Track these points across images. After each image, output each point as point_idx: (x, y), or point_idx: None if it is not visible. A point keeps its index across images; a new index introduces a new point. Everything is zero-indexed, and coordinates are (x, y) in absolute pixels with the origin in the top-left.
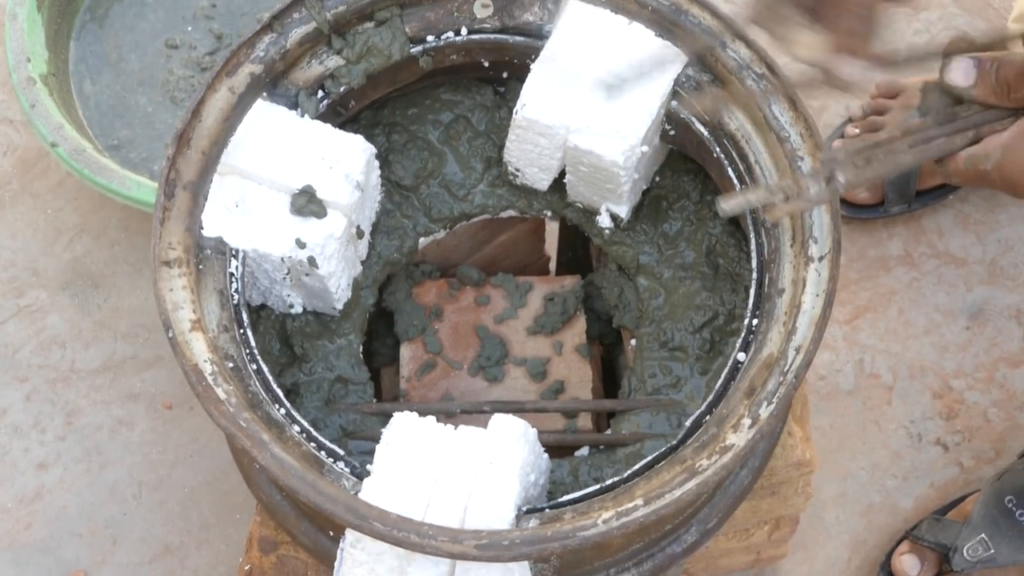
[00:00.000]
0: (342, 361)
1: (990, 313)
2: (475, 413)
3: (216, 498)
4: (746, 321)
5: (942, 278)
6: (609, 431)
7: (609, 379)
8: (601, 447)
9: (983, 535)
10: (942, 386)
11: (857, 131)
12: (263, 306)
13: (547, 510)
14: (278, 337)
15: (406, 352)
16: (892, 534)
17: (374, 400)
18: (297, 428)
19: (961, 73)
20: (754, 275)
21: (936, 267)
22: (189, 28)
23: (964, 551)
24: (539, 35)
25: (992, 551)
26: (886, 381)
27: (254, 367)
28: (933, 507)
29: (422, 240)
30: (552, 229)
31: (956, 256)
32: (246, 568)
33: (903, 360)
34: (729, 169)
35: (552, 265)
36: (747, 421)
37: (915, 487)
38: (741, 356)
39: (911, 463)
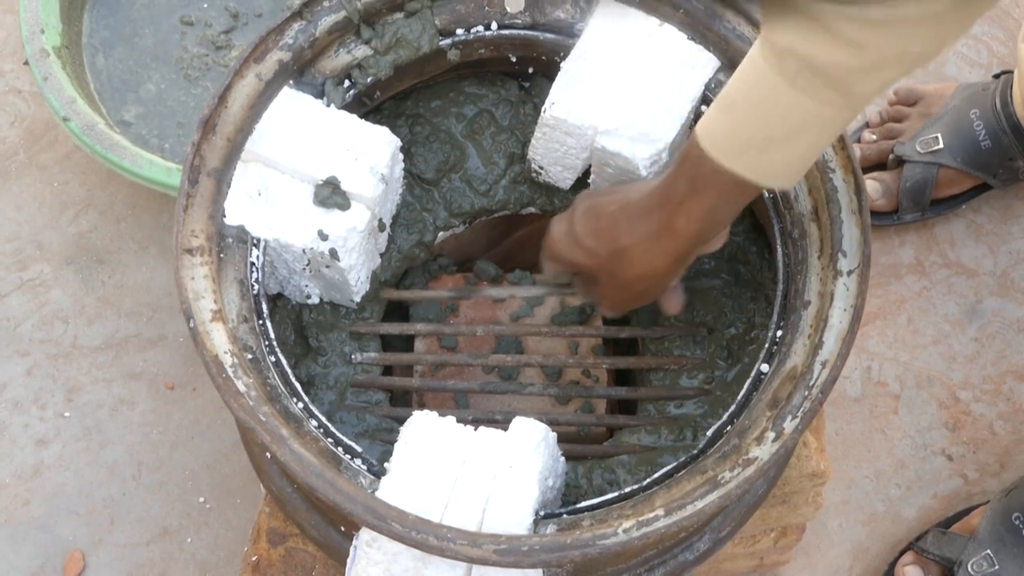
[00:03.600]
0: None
1: (999, 325)
2: (489, 418)
3: (217, 481)
4: (770, 332)
5: (952, 288)
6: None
7: (623, 383)
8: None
9: (988, 551)
10: (949, 397)
11: (874, 137)
12: (279, 295)
13: (564, 516)
14: (293, 327)
15: (421, 347)
16: (894, 543)
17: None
18: (314, 423)
19: None
20: (780, 285)
21: (947, 277)
22: (205, 5)
23: (968, 566)
24: (570, 33)
25: (997, 567)
26: (893, 390)
27: (272, 359)
28: (936, 518)
29: (440, 234)
30: None
31: (967, 267)
32: (253, 559)
33: (911, 369)
34: None
35: None
36: (771, 435)
37: (919, 497)
38: (764, 367)
39: (915, 473)
